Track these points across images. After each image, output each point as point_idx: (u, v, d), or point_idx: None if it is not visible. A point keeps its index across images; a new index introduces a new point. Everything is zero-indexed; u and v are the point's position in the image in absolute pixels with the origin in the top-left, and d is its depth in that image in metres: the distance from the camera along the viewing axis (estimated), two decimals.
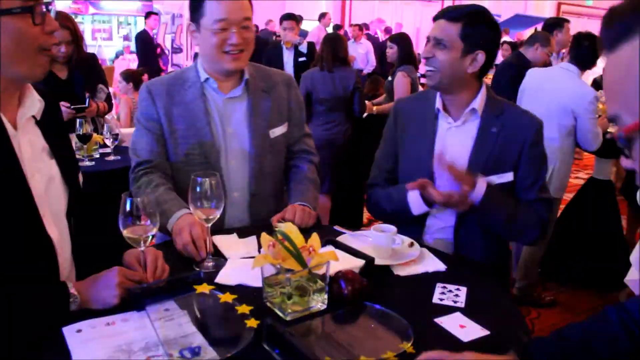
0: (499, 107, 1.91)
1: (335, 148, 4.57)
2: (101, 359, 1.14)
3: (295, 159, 2.16)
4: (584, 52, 3.46)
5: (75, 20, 3.89)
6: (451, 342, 1.24)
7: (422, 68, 2.04)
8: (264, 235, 1.41)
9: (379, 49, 10.40)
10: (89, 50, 5.07)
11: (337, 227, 1.88)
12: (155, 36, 9.87)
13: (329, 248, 1.58)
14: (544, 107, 3.44)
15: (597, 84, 5.57)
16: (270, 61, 5.57)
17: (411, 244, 1.72)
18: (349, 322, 1.34)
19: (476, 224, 1.87)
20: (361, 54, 9.91)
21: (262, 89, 2.03)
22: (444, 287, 1.49)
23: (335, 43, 4.61)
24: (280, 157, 2.11)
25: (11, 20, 1.23)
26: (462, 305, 1.41)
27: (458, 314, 1.36)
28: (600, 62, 3.93)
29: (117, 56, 12.02)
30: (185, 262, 1.62)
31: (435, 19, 1.85)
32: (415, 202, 1.84)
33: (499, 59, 9.99)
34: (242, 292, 1.42)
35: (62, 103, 3.00)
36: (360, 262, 1.52)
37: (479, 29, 1.81)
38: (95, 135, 3.34)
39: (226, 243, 1.74)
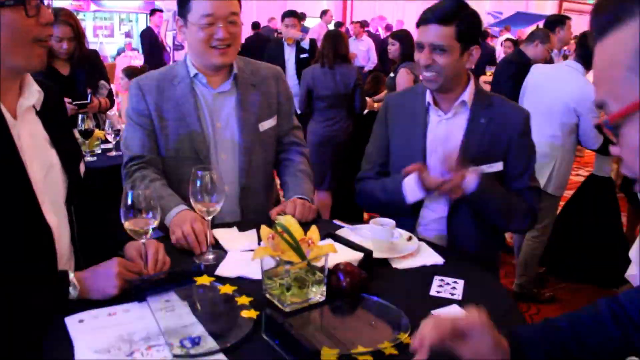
0: (487, 99, 1.95)
1: (336, 145, 4.59)
2: (103, 348, 1.16)
3: (286, 152, 2.18)
4: (589, 51, 3.46)
5: (77, 17, 3.90)
6: None
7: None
8: (263, 227, 1.43)
9: (380, 46, 10.42)
10: (91, 47, 5.08)
11: (336, 221, 1.90)
12: (159, 33, 9.87)
13: (328, 241, 1.60)
14: (547, 105, 3.45)
15: None
16: (272, 58, 5.58)
17: (409, 238, 1.74)
18: (347, 314, 1.36)
19: (469, 214, 1.90)
20: (362, 51, 9.92)
21: (251, 83, 2.05)
22: (442, 280, 1.51)
23: (336, 40, 4.62)
24: (270, 150, 2.13)
25: (4, 12, 1.26)
26: (459, 297, 1.43)
27: (455, 306, 1.38)
28: None
29: (118, 53, 12.03)
30: (186, 255, 1.64)
31: (422, 23, 1.84)
32: (411, 187, 1.85)
33: (500, 55, 10.03)
34: (242, 284, 1.45)
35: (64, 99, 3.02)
36: (359, 255, 1.54)
37: (470, 25, 1.84)
38: (97, 131, 3.36)
39: (226, 236, 1.76)
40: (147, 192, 1.42)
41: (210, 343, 1.18)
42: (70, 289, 1.31)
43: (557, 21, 4.67)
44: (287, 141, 2.18)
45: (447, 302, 1.40)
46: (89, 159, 3.17)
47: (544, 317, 1.18)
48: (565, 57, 6.97)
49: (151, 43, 9.28)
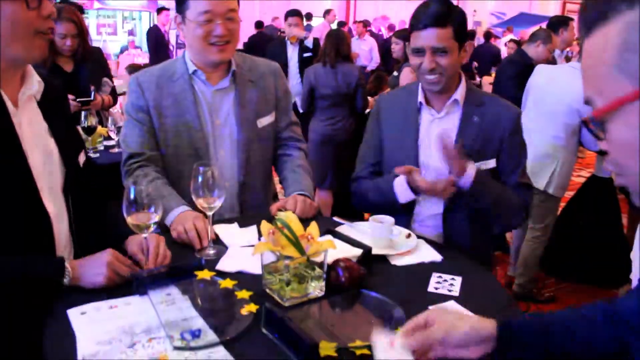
0: (478, 98, 1.97)
1: (337, 144, 4.61)
2: (105, 340, 1.18)
3: (285, 147, 2.19)
4: None
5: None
6: None
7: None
8: (264, 223, 1.45)
9: (382, 46, 10.43)
10: (94, 45, 5.10)
11: (336, 218, 1.91)
12: (165, 32, 9.88)
13: (328, 237, 1.61)
14: (551, 106, 3.46)
15: None
16: (274, 56, 5.59)
17: (408, 235, 1.76)
18: (346, 308, 1.38)
19: (464, 210, 1.92)
20: (365, 51, 9.92)
21: (249, 79, 2.07)
22: (440, 277, 1.53)
23: (338, 39, 4.64)
24: (268, 146, 2.14)
25: (5, 3, 1.29)
26: (457, 294, 1.44)
27: (452, 302, 1.39)
28: None
29: (121, 51, 12.06)
30: (187, 250, 1.66)
31: (419, 29, 1.84)
32: (401, 189, 1.87)
33: (503, 55, 10.03)
34: (242, 278, 1.46)
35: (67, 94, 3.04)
36: (358, 252, 1.56)
37: (463, 23, 1.87)
38: (99, 127, 3.38)
39: (227, 232, 1.78)
40: (150, 187, 1.44)
41: (210, 336, 1.20)
42: (65, 275, 1.35)
43: (560, 22, 4.67)
44: (286, 136, 2.19)
45: (444, 298, 1.42)
46: (91, 155, 3.18)
47: None
48: (567, 59, 6.98)
49: (157, 41, 9.29)
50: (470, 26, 15.52)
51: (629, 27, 0.67)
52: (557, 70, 3.80)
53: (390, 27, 12.69)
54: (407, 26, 2.03)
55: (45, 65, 3.38)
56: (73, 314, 1.28)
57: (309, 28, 8.93)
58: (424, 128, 1.98)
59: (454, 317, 1.09)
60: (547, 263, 4.05)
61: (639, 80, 0.67)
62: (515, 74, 4.23)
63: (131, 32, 13.74)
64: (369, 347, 1.16)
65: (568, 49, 6.56)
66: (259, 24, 10.59)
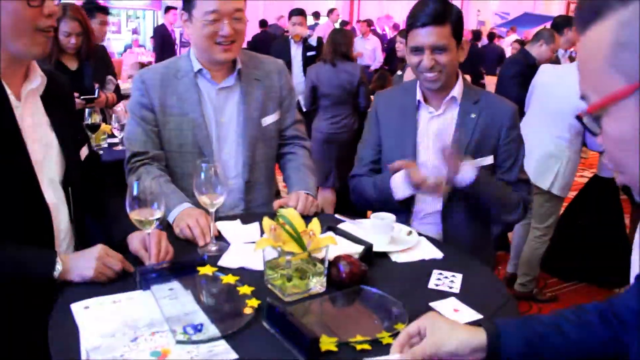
0: (475, 95, 1.98)
1: (340, 142, 4.62)
2: (108, 333, 1.19)
3: (289, 146, 2.20)
4: None
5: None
6: None
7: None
8: (266, 219, 1.46)
9: (388, 45, 10.43)
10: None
11: (337, 216, 1.92)
12: (172, 31, 9.88)
13: (329, 234, 1.62)
14: (556, 106, 3.46)
15: None
16: (278, 55, 5.55)
17: (409, 233, 1.77)
18: (346, 304, 1.39)
19: (463, 208, 1.93)
20: (368, 50, 9.94)
21: (254, 77, 2.07)
22: (440, 274, 1.54)
23: (336, 37, 4.65)
24: (272, 144, 2.14)
25: (9, 0, 1.33)
26: (457, 291, 1.45)
27: (453, 299, 1.40)
28: None
29: (125, 49, 12.08)
30: (189, 246, 1.68)
31: (417, 27, 1.84)
32: (398, 185, 1.88)
33: (507, 55, 10.01)
34: (244, 274, 1.47)
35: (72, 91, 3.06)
36: (359, 248, 1.57)
37: (459, 20, 1.88)
38: (103, 125, 3.40)
39: (229, 228, 1.79)
40: (154, 184, 1.45)
41: (212, 330, 1.21)
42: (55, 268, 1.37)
43: (564, 22, 4.67)
44: (290, 135, 2.19)
45: (445, 295, 1.42)
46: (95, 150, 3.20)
47: None
48: (571, 59, 6.97)
49: (163, 40, 9.28)
50: (473, 26, 15.55)
51: (622, 25, 0.68)
52: (561, 70, 3.80)
53: (395, 27, 12.70)
54: None
55: (49, 63, 3.41)
56: (76, 308, 1.29)
57: (312, 27, 8.94)
58: (423, 126, 1.99)
59: (445, 329, 1.10)
60: (549, 263, 4.06)
61: (631, 77, 0.68)
62: (518, 73, 4.24)
63: (135, 31, 13.77)
64: (370, 342, 1.18)
65: (572, 49, 6.55)
66: (263, 23, 10.60)
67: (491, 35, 11.94)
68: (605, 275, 3.88)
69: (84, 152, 1.68)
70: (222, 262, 1.55)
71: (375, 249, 1.60)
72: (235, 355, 1.13)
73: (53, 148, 1.54)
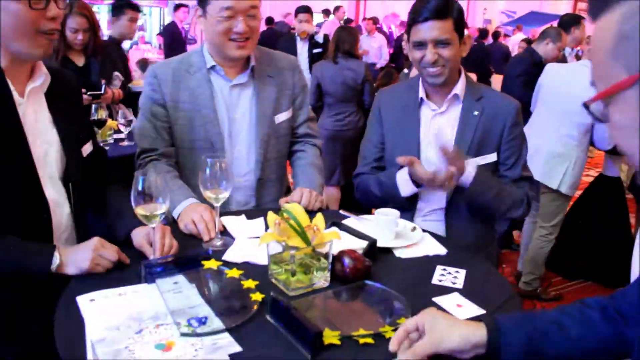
0: (477, 92, 1.98)
1: (345, 139, 4.62)
2: (113, 325, 1.20)
3: (300, 144, 2.20)
4: None
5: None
6: None
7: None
8: (270, 214, 1.47)
9: (394, 44, 10.42)
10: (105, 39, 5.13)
11: (342, 211, 1.93)
12: (183, 29, 9.86)
13: (333, 229, 1.62)
14: (563, 105, 3.46)
15: None
16: (284, 52, 5.62)
17: (413, 229, 1.77)
18: (350, 299, 1.39)
19: (466, 205, 1.93)
20: (374, 48, 9.92)
21: (267, 74, 2.06)
22: (444, 270, 1.54)
23: (341, 35, 4.65)
24: (285, 142, 2.14)
25: (10, 2, 1.35)
26: (461, 286, 1.46)
27: (456, 294, 1.41)
28: None
29: (131, 46, 12.10)
30: (194, 241, 1.68)
31: (419, 22, 1.85)
32: (403, 182, 1.88)
33: (512, 54, 9.98)
34: (249, 268, 1.48)
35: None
36: (363, 244, 1.57)
37: (461, 15, 1.88)
38: (110, 120, 3.41)
39: (234, 224, 1.80)
40: (159, 179, 1.46)
41: (216, 323, 1.22)
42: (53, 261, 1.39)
43: (572, 20, 4.66)
44: (302, 133, 2.19)
45: (448, 290, 1.43)
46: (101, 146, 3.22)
47: None
48: (578, 57, 6.96)
49: (173, 38, 9.26)
50: (480, 25, 15.51)
51: (625, 18, 0.70)
52: (567, 68, 3.79)
53: (402, 24, 12.67)
54: None
55: (56, 59, 3.43)
56: (82, 300, 1.30)
57: (319, 25, 8.94)
58: (425, 123, 1.99)
59: (445, 325, 1.10)
60: (553, 261, 4.05)
61: (631, 68, 0.70)
62: (523, 72, 4.23)
63: (141, 28, 13.77)
64: (373, 336, 1.18)
65: (578, 48, 6.53)
66: (269, 21, 10.60)
67: (496, 34, 11.90)
68: (610, 274, 3.86)
69: (87, 148, 1.70)
70: (226, 257, 1.56)
71: (379, 244, 1.60)
72: (239, 348, 1.14)
73: (54, 145, 1.56)
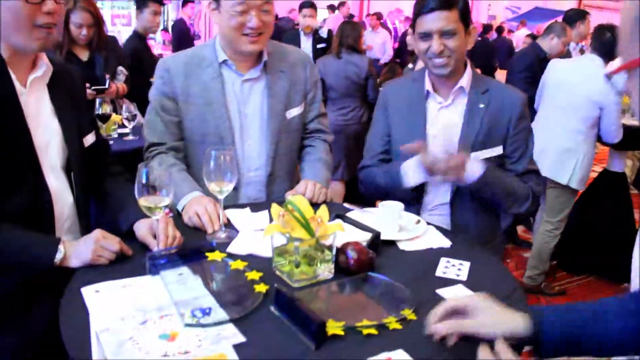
0: (483, 84, 1.97)
1: (349, 134, 4.62)
2: (117, 316, 1.21)
3: (310, 139, 2.19)
4: (606, 42, 3.46)
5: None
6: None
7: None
8: (274, 205, 1.47)
9: (400, 39, 10.39)
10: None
11: (346, 204, 1.93)
12: (191, 25, 9.83)
13: (337, 222, 1.63)
14: (569, 100, 3.45)
15: None
16: None
17: (417, 221, 1.77)
18: (354, 290, 1.39)
19: (471, 200, 1.92)
20: (378, 44, 9.91)
21: (280, 69, 2.04)
22: (448, 262, 1.54)
23: (344, 30, 4.65)
24: (296, 137, 2.13)
25: None
26: (464, 278, 1.46)
27: (460, 286, 1.41)
28: None
29: None
30: (198, 233, 1.69)
31: (425, 13, 1.84)
32: (411, 170, 1.86)
33: (516, 49, 9.95)
34: (253, 260, 1.49)
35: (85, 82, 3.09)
36: (367, 236, 1.57)
37: (467, 6, 1.88)
38: (114, 115, 3.42)
39: (239, 216, 1.80)
40: (162, 170, 1.46)
41: (220, 314, 1.22)
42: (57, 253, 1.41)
43: (577, 15, 4.65)
44: (312, 128, 2.18)
45: (452, 282, 1.43)
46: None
47: None
48: (582, 52, 6.93)
49: (181, 35, 9.24)
50: (484, 20, 15.46)
51: None
52: (571, 64, 3.79)
53: (407, 20, 12.64)
54: None
55: (61, 54, 3.43)
56: (87, 292, 1.31)
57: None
58: (432, 116, 1.98)
59: (490, 315, 1.09)
60: (558, 256, 4.05)
61: None
62: (526, 67, 4.23)
63: None
64: (376, 327, 1.18)
65: (583, 43, 6.51)
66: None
67: (500, 29, 11.86)
68: (614, 269, 3.86)
69: (89, 139, 1.71)
70: (230, 249, 1.56)
71: (383, 237, 1.60)
72: (243, 339, 1.14)
73: (56, 135, 1.59)
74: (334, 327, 1.16)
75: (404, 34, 10.25)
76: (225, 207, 1.72)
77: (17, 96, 1.47)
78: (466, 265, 1.52)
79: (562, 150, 3.51)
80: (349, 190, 4.80)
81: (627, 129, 3.55)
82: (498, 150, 1.94)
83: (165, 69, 1.98)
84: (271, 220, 1.54)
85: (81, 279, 1.36)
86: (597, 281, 4.00)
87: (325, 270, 1.41)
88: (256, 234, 1.65)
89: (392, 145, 2.06)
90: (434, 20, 1.83)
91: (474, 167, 1.80)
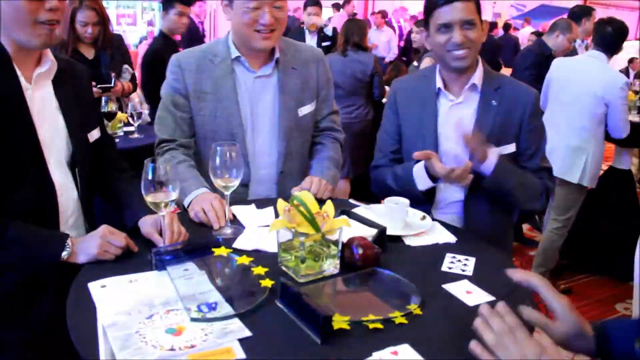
0: (496, 81, 1.95)
1: (354, 132, 4.60)
2: (124, 310, 1.21)
3: (321, 137, 2.18)
4: (607, 37, 3.45)
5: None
6: (457, 306, 1.30)
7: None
8: (280, 201, 1.47)
9: (406, 38, 10.37)
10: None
11: (351, 200, 1.93)
12: (200, 24, 9.82)
13: (343, 217, 1.63)
14: (575, 97, 3.44)
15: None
16: None
17: (423, 217, 1.77)
18: (360, 286, 1.39)
19: (485, 197, 1.89)
20: (383, 42, 9.89)
21: (292, 66, 2.03)
22: (454, 257, 1.54)
23: (349, 28, 4.64)
24: (307, 135, 2.12)
25: None
26: (470, 273, 1.46)
27: (465, 281, 1.41)
28: (626, 47, 3.91)
29: (140, 41, 12.13)
30: (204, 229, 1.69)
31: (445, 3, 1.82)
32: (420, 176, 1.85)
33: (522, 46, 9.92)
34: (258, 256, 1.49)
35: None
36: (373, 231, 1.57)
37: None
38: (119, 113, 3.43)
39: (244, 212, 1.80)
40: (169, 167, 1.47)
41: (226, 308, 1.22)
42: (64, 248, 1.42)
43: (582, 12, 4.63)
44: (324, 126, 2.17)
45: (457, 277, 1.43)
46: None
47: None
48: (588, 49, 6.90)
49: (191, 35, 9.21)
50: (489, 18, 15.42)
51: None
52: (575, 61, 3.78)
53: (412, 18, 12.61)
54: None
55: (66, 52, 3.45)
56: (94, 286, 1.31)
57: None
58: (443, 114, 1.95)
59: (571, 329, 1.11)
60: (565, 255, 4.03)
61: None
62: (532, 64, 4.21)
63: (150, 23, 13.81)
64: (382, 321, 1.18)
65: (588, 39, 6.48)
66: None
67: (506, 26, 11.82)
68: (620, 267, 3.84)
69: (94, 135, 1.73)
70: (236, 245, 1.56)
71: (388, 232, 1.60)
72: (249, 333, 1.14)
73: (60, 130, 1.60)
74: (340, 322, 1.16)
75: (409, 32, 10.24)
76: (232, 204, 1.72)
77: (23, 92, 1.49)
78: (472, 260, 1.52)
79: (571, 149, 3.50)
80: (354, 188, 4.79)
81: (633, 126, 3.54)
82: (511, 148, 1.91)
83: (177, 65, 1.98)
84: (277, 216, 1.54)
85: (88, 274, 1.37)
86: (602, 280, 3.98)
87: (331, 266, 1.41)
88: (262, 230, 1.65)
89: (404, 145, 2.04)
90: (455, 11, 1.81)
91: (490, 159, 1.77)
